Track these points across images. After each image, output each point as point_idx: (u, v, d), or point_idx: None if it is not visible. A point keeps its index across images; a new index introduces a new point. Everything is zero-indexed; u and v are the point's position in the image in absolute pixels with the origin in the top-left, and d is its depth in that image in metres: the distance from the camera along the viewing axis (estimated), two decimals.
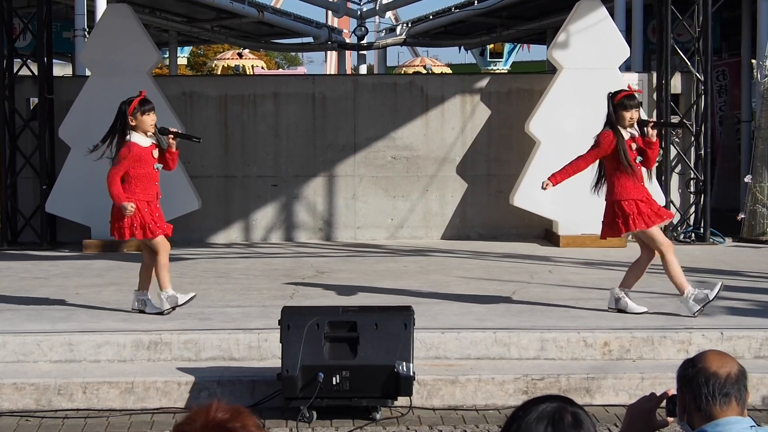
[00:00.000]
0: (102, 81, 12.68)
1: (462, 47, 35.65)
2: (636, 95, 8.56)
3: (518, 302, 9.16)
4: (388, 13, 29.78)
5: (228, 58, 36.71)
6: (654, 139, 8.43)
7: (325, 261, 11.99)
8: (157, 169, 8.58)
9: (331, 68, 44.16)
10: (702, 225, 13.25)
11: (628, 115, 8.39)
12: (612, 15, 13.92)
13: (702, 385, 3.32)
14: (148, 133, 8.50)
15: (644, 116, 8.87)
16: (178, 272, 11.01)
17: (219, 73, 37.47)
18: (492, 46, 35.91)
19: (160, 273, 8.62)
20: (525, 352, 7.84)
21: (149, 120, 8.43)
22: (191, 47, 39.17)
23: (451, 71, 36.67)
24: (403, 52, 45.42)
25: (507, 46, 36.34)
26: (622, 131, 8.41)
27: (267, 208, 13.81)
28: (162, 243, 8.64)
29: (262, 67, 39.40)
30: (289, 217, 13.84)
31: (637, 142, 8.47)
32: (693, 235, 13.26)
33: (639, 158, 8.50)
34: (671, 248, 8.49)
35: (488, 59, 36.91)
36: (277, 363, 7.21)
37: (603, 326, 8.13)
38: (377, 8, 27.50)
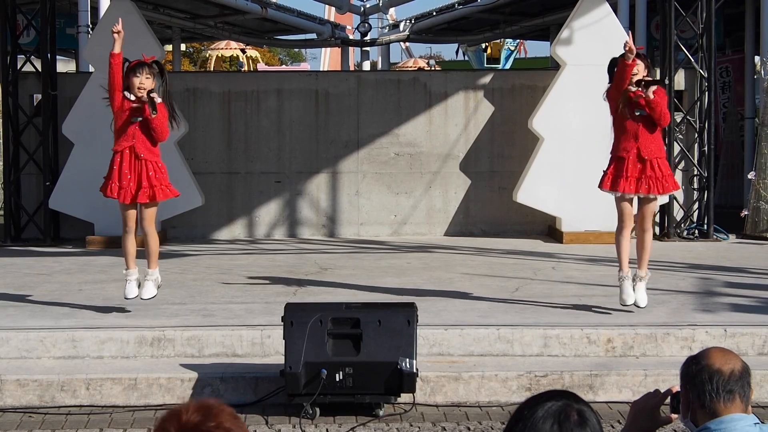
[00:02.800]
0: (105, 77, 12.63)
1: (460, 51, 35.66)
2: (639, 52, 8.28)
3: (521, 299, 9.15)
4: (387, 14, 29.78)
5: (222, 48, 36.51)
6: (651, 96, 8.09)
7: (328, 257, 11.99)
8: (133, 121, 8.27)
9: (325, 65, 44.34)
10: (705, 221, 13.24)
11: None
12: (615, 11, 13.91)
13: (705, 382, 3.31)
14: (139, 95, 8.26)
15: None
16: (182, 268, 11.03)
17: (213, 63, 37.35)
18: (489, 51, 35.85)
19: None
20: (528, 349, 7.84)
21: (136, 82, 8.29)
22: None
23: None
24: (398, 52, 45.43)
25: (504, 52, 36.23)
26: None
27: (270, 204, 13.82)
28: (120, 211, 8.36)
29: (257, 58, 39.25)
30: (292, 214, 13.84)
31: (638, 99, 8.19)
32: (696, 231, 13.26)
33: (639, 111, 8.17)
34: (622, 225, 8.31)
35: (485, 65, 36.79)
36: (280, 359, 7.21)
37: (606, 323, 8.12)
38: (380, 5, 27.50)
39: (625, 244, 8.33)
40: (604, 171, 8.41)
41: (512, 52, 36.72)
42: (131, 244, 8.40)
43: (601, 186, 8.42)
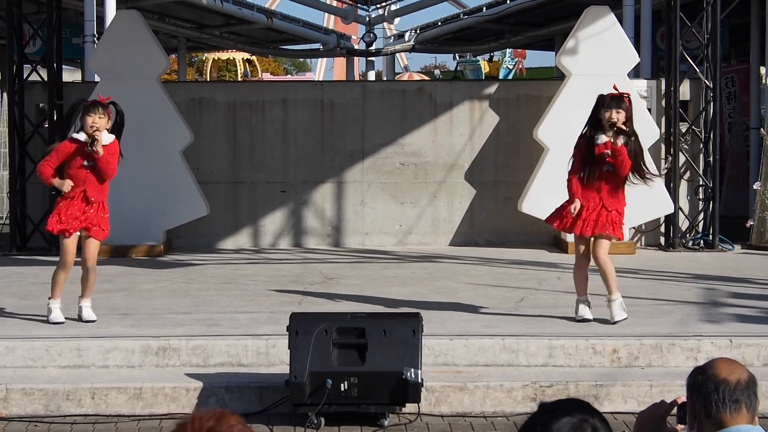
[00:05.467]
0: (111, 87, 12.62)
1: (457, 67, 35.68)
2: (623, 96, 8.43)
3: (526, 309, 9.15)
4: (384, 25, 29.83)
5: (218, 51, 36.55)
6: (618, 144, 8.26)
7: (333, 267, 11.99)
8: (84, 166, 8.45)
9: (321, 74, 44.57)
10: (711, 232, 13.22)
11: (606, 114, 8.31)
12: (621, 21, 13.91)
13: (711, 392, 3.30)
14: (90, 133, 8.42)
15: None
16: (187, 278, 11.03)
17: (209, 66, 37.36)
18: (487, 69, 35.90)
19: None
20: (533, 359, 7.83)
21: (89, 121, 8.38)
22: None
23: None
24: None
25: (502, 71, 36.25)
26: (601, 135, 8.34)
27: (275, 213, 13.82)
28: (62, 245, 8.58)
29: (251, 59, 39.29)
30: (297, 223, 13.84)
31: (609, 148, 8.33)
32: (702, 242, 13.23)
33: (607, 167, 8.38)
34: (577, 262, 8.66)
35: None
36: (285, 369, 7.21)
37: (612, 333, 8.12)
38: (386, 14, 27.54)
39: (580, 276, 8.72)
40: (561, 209, 8.71)
41: (510, 70, 36.72)
42: (64, 278, 8.63)
43: (552, 223, 8.84)
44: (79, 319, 8.63)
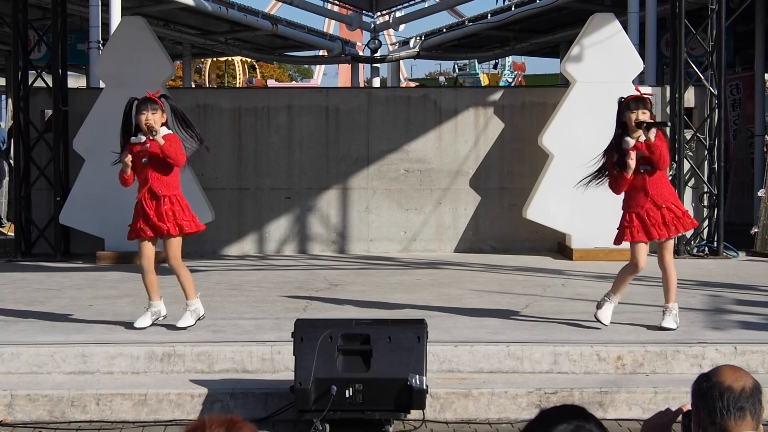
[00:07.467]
0: (116, 93, 12.69)
1: (457, 78, 35.76)
2: (645, 98, 8.33)
3: (531, 315, 9.15)
4: (386, 33, 29.87)
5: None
6: (651, 139, 8.12)
7: (338, 273, 11.99)
8: (144, 163, 8.45)
9: (319, 79, 44.67)
10: (715, 239, 13.22)
11: (633, 116, 8.19)
12: (625, 28, 13.92)
13: (716, 399, 3.31)
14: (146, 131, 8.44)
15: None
16: None
17: (208, 68, 37.40)
18: (487, 81, 35.99)
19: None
20: (538, 366, 7.83)
21: (143, 119, 8.40)
22: None
23: None
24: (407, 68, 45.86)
25: (502, 83, 36.36)
26: (628, 139, 8.25)
27: (280, 220, 13.83)
28: (139, 248, 8.58)
29: (254, 64, 39.35)
30: (302, 230, 13.85)
31: (641, 149, 8.20)
32: (706, 248, 13.24)
33: (644, 167, 8.25)
34: (634, 269, 8.51)
35: None
36: (290, 375, 7.21)
37: (616, 340, 8.11)
38: (391, 21, 27.57)
39: (629, 280, 8.63)
40: (621, 225, 8.50)
41: (510, 83, 36.83)
42: (149, 280, 8.61)
43: (624, 240, 8.53)
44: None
